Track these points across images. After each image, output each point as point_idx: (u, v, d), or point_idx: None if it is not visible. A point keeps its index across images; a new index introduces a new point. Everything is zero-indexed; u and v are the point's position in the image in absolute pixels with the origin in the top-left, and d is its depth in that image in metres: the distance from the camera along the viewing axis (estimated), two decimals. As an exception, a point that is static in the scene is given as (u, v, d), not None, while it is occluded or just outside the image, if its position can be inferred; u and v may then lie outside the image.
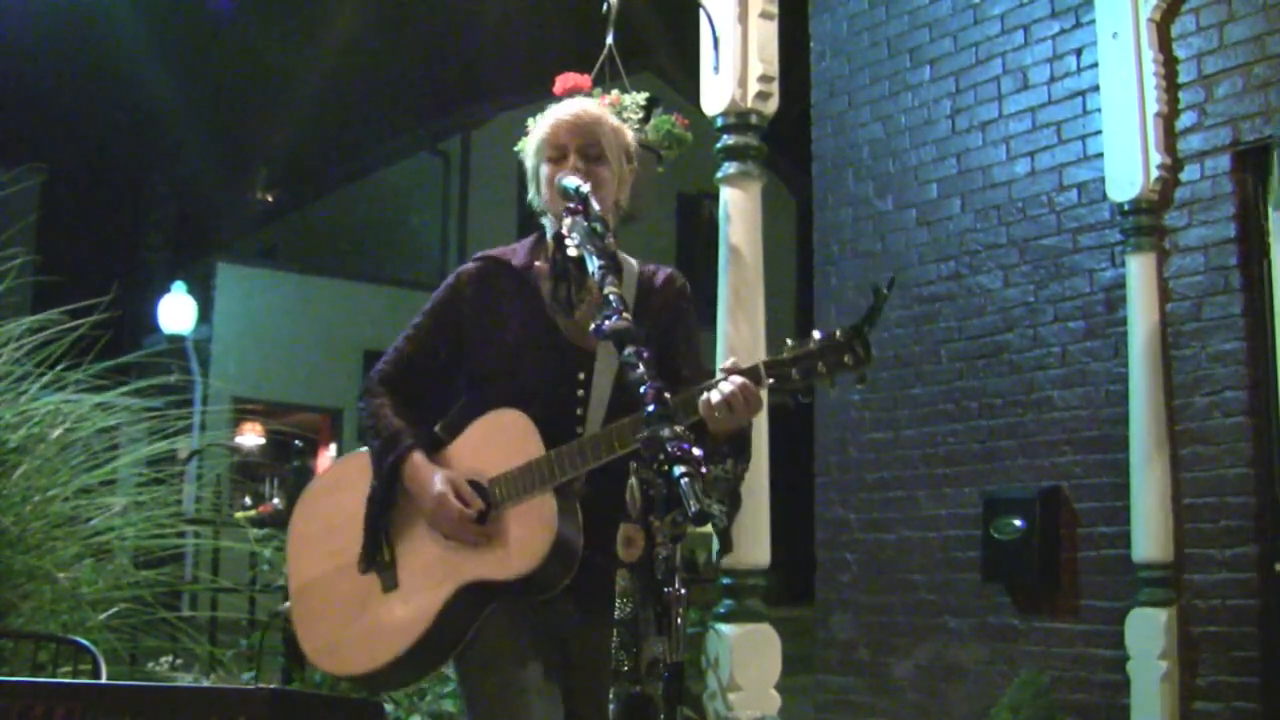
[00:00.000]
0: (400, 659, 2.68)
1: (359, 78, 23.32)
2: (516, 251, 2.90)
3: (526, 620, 2.69)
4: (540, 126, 2.89)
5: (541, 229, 2.95)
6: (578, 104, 2.94)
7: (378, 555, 2.75)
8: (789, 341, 2.49)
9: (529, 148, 2.91)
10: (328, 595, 2.82)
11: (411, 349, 2.89)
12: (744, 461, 2.65)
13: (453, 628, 2.67)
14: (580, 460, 2.59)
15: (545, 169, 2.83)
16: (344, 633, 2.76)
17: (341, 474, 3.03)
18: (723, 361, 4.47)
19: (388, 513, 2.76)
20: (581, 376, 2.75)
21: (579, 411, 2.73)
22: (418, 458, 2.73)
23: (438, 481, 2.67)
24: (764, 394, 2.54)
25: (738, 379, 2.48)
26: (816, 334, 2.46)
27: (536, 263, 2.87)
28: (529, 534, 2.61)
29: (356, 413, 2.90)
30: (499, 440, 2.70)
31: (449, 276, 2.91)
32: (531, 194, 2.92)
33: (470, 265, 2.91)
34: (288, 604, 2.99)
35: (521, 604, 2.67)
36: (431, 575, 2.69)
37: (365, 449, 2.89)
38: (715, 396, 2.47)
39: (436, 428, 2.87)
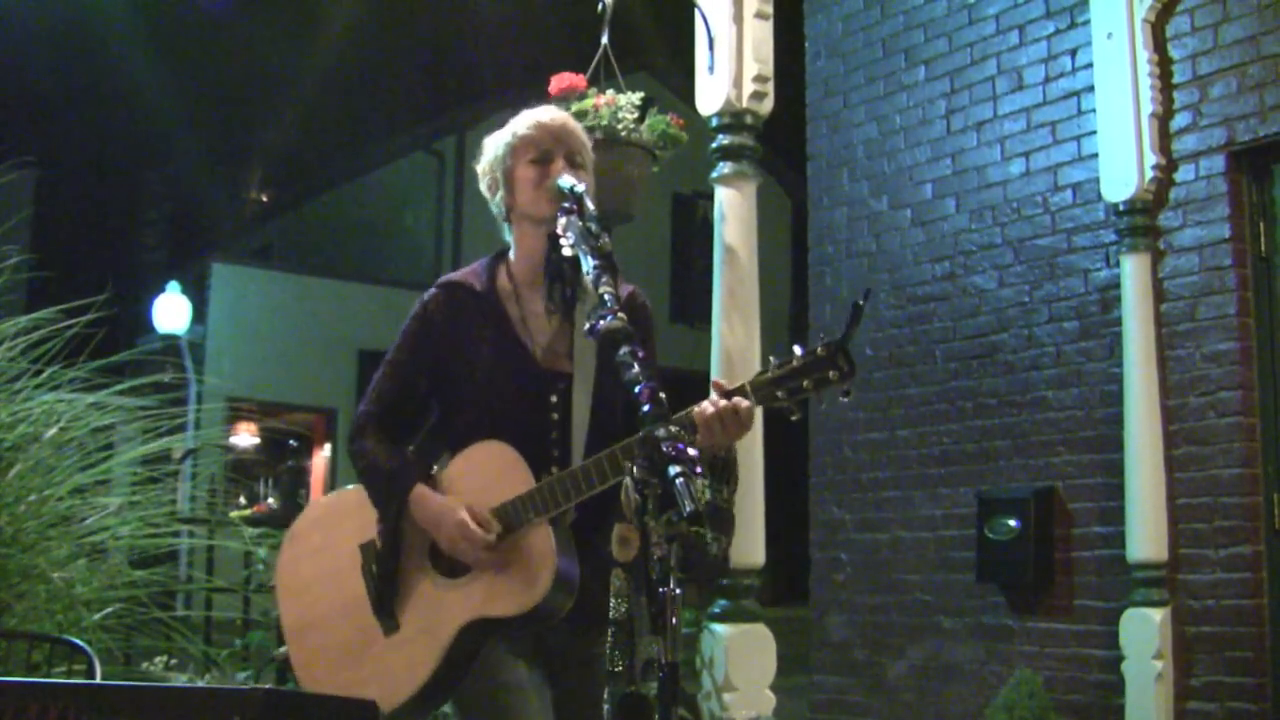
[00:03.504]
0: (409, 702, 2.66)
1: (354, 77, 23.33)
2: (478, 274, 2.87)
3: (514, 634, 2.69)
4: (515, 129, 2.86)
5: (501, 249, 2.93)
6: (556, 110, 2.94)
7: (390, 601, 2.72)
8: (772, 360, 2.50)
9: (496, 151, 2.87)
10: (327, 640, 2.79)
11: (392, 386, 2.85)
12: (731, 485, 2.65)
13: (458, 666, 2.66)
14: (574, 490, 2.58)
15: (526, 171, 2.81)
16: (350, 679, 2.72)
17: (328, 512, 3.00)
18: (717, 361, 4.51)
19: (398, 556, 2.73)
20: (554, 400, 2.75)
21: (554, 435, 2.73)
22: (422, 490, 2.70)
23: (458, 508, 2.64)
24: (758, 411, 2.54)
25: (733, 400, 2.49)
26: (798, 350, 2.47)
27: (499, 282, 2.86)
28: (529, 568, 2.60)
29: (348, 455, 2.86)
30: (486, 473, 2.68)
31: (415, 306, 2.87)
32: (497, 198, 2.89)
33: (436, 292, 2.87)
34: (284, 649, 2.96)
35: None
36: (433, 616, 2.67)
37: (349, 488, 2.89)
38: (709, 409, 2.48)
39: (409, 449, 2.86)
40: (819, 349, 2.44)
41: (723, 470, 2.61)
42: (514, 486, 2.63)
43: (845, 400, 2.47)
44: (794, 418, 2.52)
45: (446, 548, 2.67)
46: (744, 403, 2.49)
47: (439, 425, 2.87)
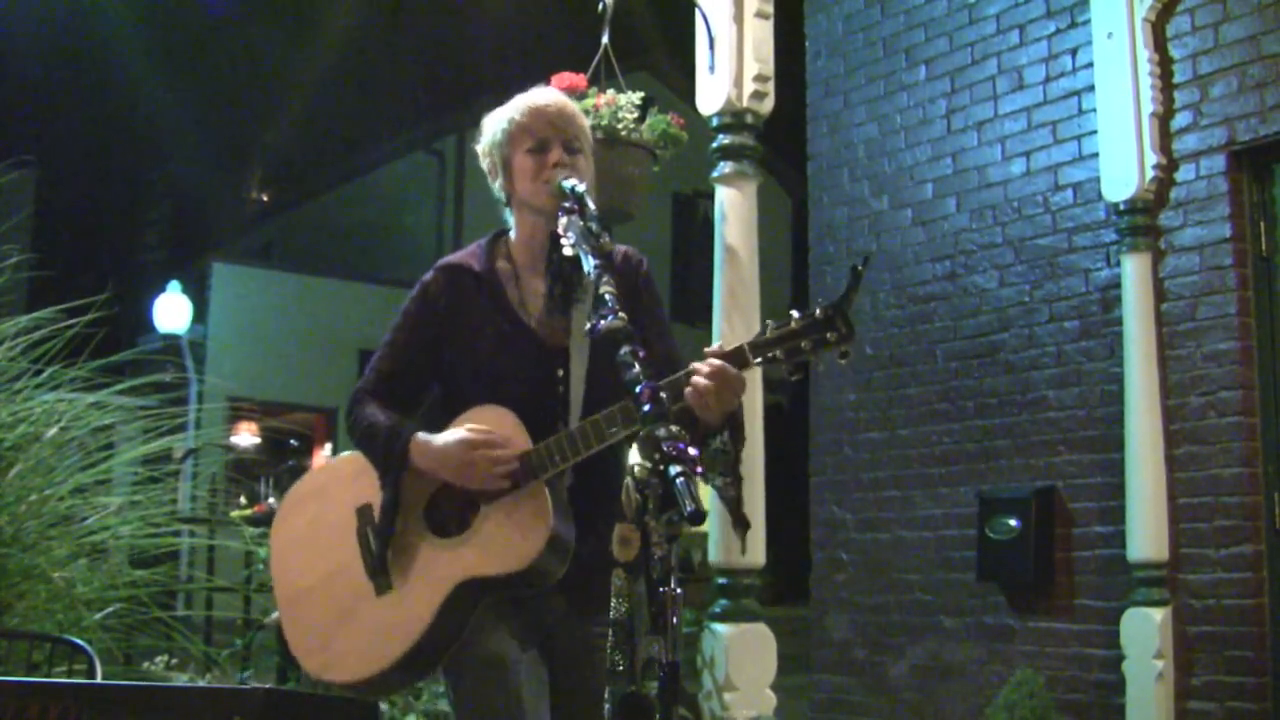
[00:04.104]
0: (400, 662, 2.66)
1: (355, 77, 23.29)
2: (477, 255, 2.87)
3: (510, 611, 2.69)
4: (511, 114, 2.84)
5: (498, 230, 2.93)
6: (552, 94, 2.90)
7: (385, 559, 2.72)
8: (770, 323, 2.50)
9: (494, 136, 2.85)
10: (319, 604, 2.79)
11: (390, 366, 2.85)
12: (738, 438, 2.64)
13: (450, 626, 2.65)
14: (570, 451, 2.58)
15: (524, 160, 2.80)
16: (341, 641, 2.73)
17: (322, 481, 3.00)
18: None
19: (397, 513, 2.73)
20: (561, 374, 2.75)
21: (560, 409, 2.73)
22: (422, 437, 2.70)
23: (459, 434, 2.64)
24: (758, 373, 2.53)
25: (715, 362, 2.48)
26: (795, 314, 2.47)
27: (498, 263, 2.86)
28: (524, 528, 2.60)
29: (347, 428, 2.86)
30: None
31: (415, 288, 2.87)
32: (497, 184, 2.88)
33: (436, 274, 2.87)
34: (276, 614, 2.96)
35: (510, 597, 2.67)
36: (426, 575, 2.67)
37: (344, 455, 2.89)
38: (700, 383, 2.47)
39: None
40: (817, 312, 2.45)
41: (728, 425, 2.61)
42: (512, 449, 2.63)
43: (843, 362, 2.47)
44: (794, 378, 2.51)
45: (459, 478, 2.65)
46: (715, 364, 2.47)
47: (442, 403, 2.86)
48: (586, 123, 2.91)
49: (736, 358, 2.49)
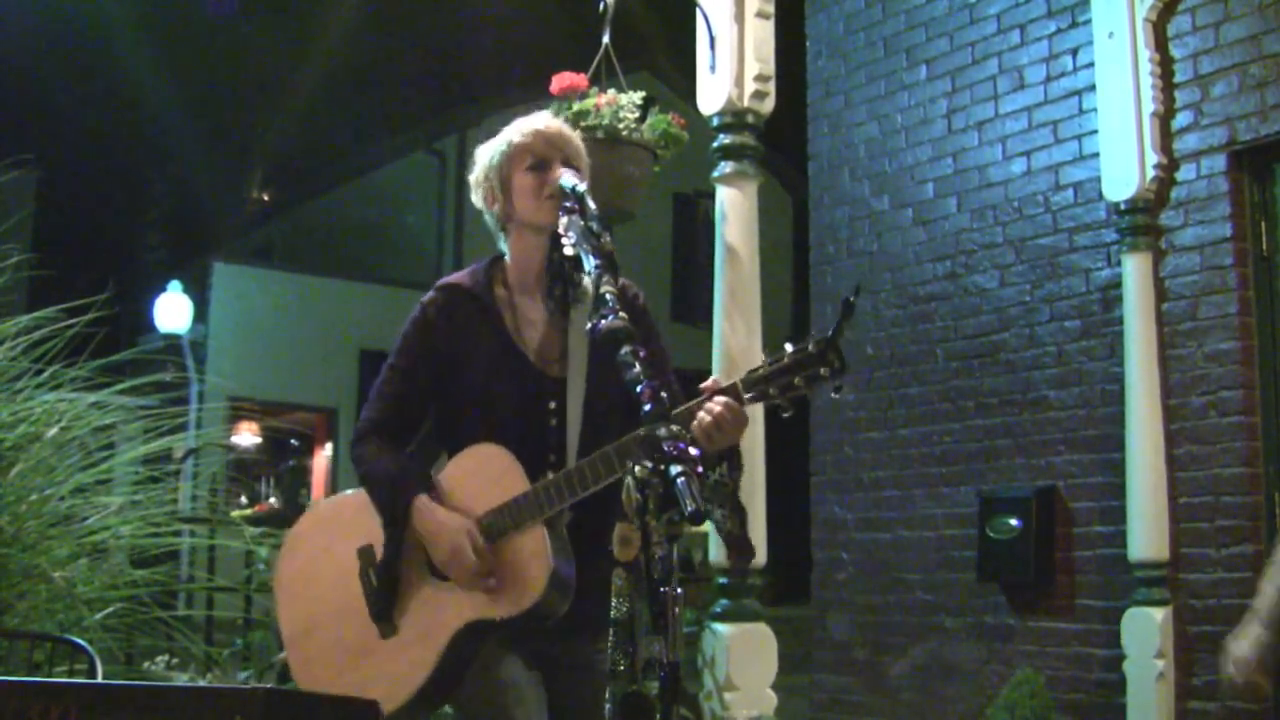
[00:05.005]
0: (407, 704, 2.66)
1: (355, 77, 23.29)
2: (476, 278, 2.87)
3: (514, 635, 2.69)
4: (509, 136, 2.86)
5: (497, 255, 2.93)
6: (550, 118, 2.95)
7: (390, 606, 2.72)
8: (764, 358, 2.50)
9: (492, 159, 2.86)
10: (325, 644, 2.80)
11: (394, 391, 2.85)
12: (737, 469, 2.65)
13: (455, 667, 2.67)
14: (568, 491, 2.58)
15: (523, 178, 2.81)
16: (347, 683, 2.72)
17: (327, 516, 3.00)
18: (718, 360, 4.51)
19: (400, 562, 2.73)
20: (553, 405, 2.75)
21: (552, 440, 2.73)
22: (425, 500, 2.70)
23: (457, 528, 2.65)
24: (759, 408, 2.52)
25: (724, 399, 2.49)
26: (789, 347, 2.47)
27: (496, 289, 2.86)
28: (525, 569, 2.61)
29: (352, 462, 2.86)
30: (482, 476, 2.69)
31: (414, 309, 2.87)
32: (494, 209, 2.88)
33: (435, 295, 2.87)
34: (283, 654, 2.95)
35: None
36: (431, 618, 2.68)
37: (349, 492, 2.89)
38: (706, 419, 2.48)
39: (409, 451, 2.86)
40: (810, 345, 2.45)
41: (726, 455, 2.61)
42: (509, 489, 2.64)
43: (836, 396, 2.48)
44: (786, 414, 2.51)
45: (439, 563, 2.68)
46: (724, 400, 2.48)
47: (438, 428, 2.87)
48: (583, 146, 2.92)
49: (729, 394, 2.50)
